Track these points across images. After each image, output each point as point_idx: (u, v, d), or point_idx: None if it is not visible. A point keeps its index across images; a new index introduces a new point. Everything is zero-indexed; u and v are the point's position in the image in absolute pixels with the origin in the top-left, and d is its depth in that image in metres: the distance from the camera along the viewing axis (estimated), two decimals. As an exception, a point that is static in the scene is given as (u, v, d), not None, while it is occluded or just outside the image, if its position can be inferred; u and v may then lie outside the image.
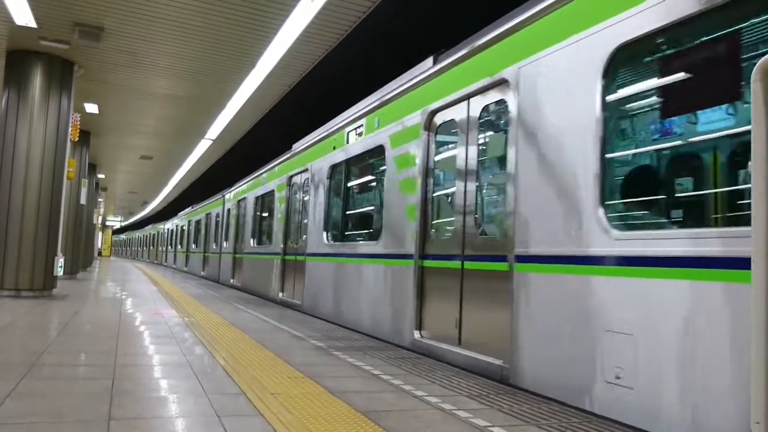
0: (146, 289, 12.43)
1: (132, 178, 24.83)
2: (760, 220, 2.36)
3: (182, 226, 27.53)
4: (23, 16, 7.86)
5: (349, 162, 8.13)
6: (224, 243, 17.35)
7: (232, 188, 16.98)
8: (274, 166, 12.15)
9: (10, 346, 4.89)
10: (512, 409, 3.53)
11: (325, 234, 8.64)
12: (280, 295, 10.78)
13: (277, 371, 4.33)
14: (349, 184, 8.38)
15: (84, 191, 15.11)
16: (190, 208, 25.67)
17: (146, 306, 8.82)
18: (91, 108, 12.48)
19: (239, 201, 15.62)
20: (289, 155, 11.11)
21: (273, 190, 11.98)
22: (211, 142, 15.63)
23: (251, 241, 13.70)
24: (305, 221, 9.71)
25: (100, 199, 27.74)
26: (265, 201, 13.10)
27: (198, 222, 22.98)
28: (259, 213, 13.57)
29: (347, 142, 8.02)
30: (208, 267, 20.03)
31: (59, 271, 9.58)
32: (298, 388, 3.82)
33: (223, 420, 3.01)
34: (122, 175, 24.26)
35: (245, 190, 14.96)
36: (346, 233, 8.40)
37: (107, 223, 51.14)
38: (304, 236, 9.65)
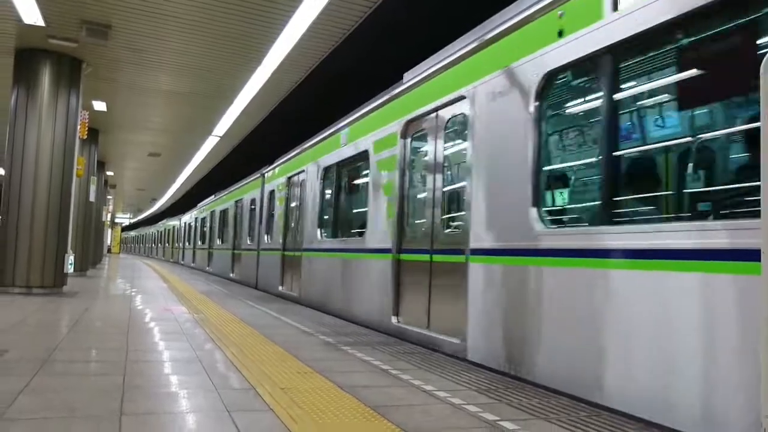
0: (156, 286, 12.50)
1: (140, 175, 24.95)
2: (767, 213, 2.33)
3: (203, 219, 23.75)
4: (31, 15, 7.90)
5: (632, 45, 3.79)
6: (266, 237, 13.25)
7: (277, 163, 12.89)
8: (365, 115, 7.89)
9: (23, 343, 4.93)
10: (521, 403, 3.53)
11: (533, 213, 4.41)
12: (395, 320, 6.49)
13: (286, 366, 4.34)
14: (641, 102, 3.99)
15: (93, 189, 15.18)
16: (213, 196, 21.96)
17: (156, 303, 8.87)
18: (100, 106, 12.53)
19: (291, 178, 11.52)
20: (403, 88, 6.84)
21: (364, 152, 7.75)
22: (219, 138, 15.67)
23: (318, 232, 9.50)
24: (455, 194, 5.81)
25: (109, 197, 27.89)
26: (343, 172, 9.03)
27: (224, 212, 19.22)
28: (333, 190, 9.36)
29: (608, 13, 3.87)
30: (239, 268, 16.30)
31: (69, 269, 9.65)
32: (308, 383, 3.83)
33: (233, 415, 3.03)
34: (131, 173, 24.39)
35: (301, 162, 10.79)
36: (640, 206, 3.98)
37: (116, 220, 51.42)
38: (453, 219, 5.78)
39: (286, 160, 12.02)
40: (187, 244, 29.01)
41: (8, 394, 3.20)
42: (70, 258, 9.65)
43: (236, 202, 17.16)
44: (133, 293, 10.41)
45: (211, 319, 7.02)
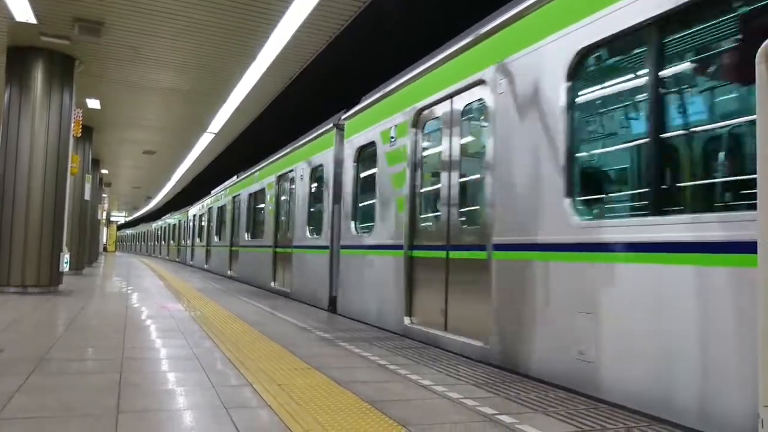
0: (152, 284, 12.47)
1: (135, 173, 24.88)
2: (766, 204, 2.34)
3: (220, 208, 18.95)
4: (23, 12, 7.85)
5: None
6: (353, 226, 7.98)
7: (373, 98, 7.52)
8: None
9: (19, 342, 4.91)
10: (519, 396, 3.53)
11: None
12: None
13: (283, 362, 4.34)
14: None
15: (88, 187, 15.14)
16: (236, 177, 17.17)
17: (152, 300, 8.85)
18: (93, 103, 12.47)
19: (423, 111, 6.25)
20: None
21: None
22: (213, 135, 15.63)
23: (567, 206, 4.04)
24: None
25: (104, 195, 27.80)
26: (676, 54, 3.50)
27: (254, 196, 14.43)
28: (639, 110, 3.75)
29: None
30: (291, 276, 10.76)
31: (65, 267, 9.61)
32: (305, 379, 3.83)
33: (230, 411, 3.02)
34: (126, 170, 24.32)
35: (464, 68, 5.46)
36: None
37: (111, 219, 51.29)
38: None
39: (402, 85, 6.73)
40: (197, 241, 23.72)
41: (4, 393, 3.18)
42: (66, 257, 9.62)
43: (279, 177, 12.13)
44: (129, 291, 10.38)
45: (208, 317, 7.00)
